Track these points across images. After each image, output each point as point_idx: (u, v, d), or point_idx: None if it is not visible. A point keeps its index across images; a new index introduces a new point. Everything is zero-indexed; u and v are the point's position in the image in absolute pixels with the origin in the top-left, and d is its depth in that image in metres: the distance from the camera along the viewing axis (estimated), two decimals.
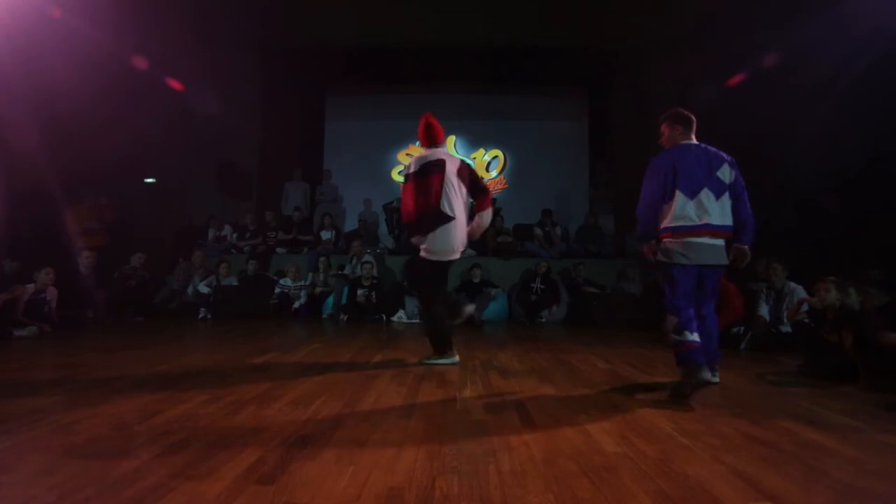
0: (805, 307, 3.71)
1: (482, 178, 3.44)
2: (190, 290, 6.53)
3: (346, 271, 6.73)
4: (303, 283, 6.69)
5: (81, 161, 6.05)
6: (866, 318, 2.93)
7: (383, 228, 8.35)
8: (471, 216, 3.34)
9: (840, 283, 3.22)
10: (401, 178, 9.45)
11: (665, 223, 2.62)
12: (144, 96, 7.00)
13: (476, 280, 6.45)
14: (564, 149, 9.62)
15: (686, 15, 6.99)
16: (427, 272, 3.18)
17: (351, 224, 8.88)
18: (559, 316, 6.48)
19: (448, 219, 3.10)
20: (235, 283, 6.44)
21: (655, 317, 5.58)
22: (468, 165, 3.35)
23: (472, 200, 3.35)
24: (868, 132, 5.23)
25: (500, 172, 9.69)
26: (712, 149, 2.70)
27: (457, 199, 3.17)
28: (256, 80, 9.12)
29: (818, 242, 5.37)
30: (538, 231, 7.56)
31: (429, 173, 3.09)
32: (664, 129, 2.85)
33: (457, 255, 3.22)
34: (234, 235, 7.68)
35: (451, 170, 3.15)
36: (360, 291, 6.21)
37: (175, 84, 7.60)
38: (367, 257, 6.63)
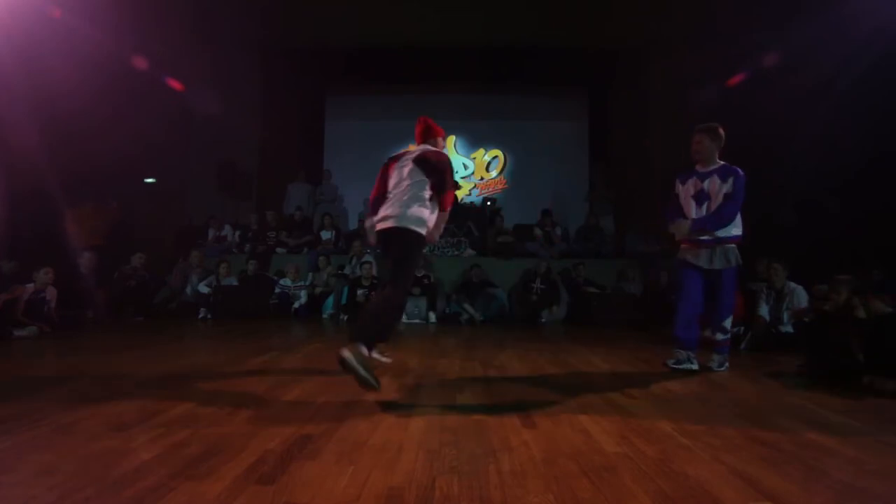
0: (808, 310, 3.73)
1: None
2: (188, 290, 6.53)
3: (346, 271, 6.74)
4: (303, 283, 6.69)
5: (81, 161, 6.05)
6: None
7: None
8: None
9: (850, 282, 3.25)
10: None
11: (737, 231, 3.14)
12: (144, 96, 7.00)
13: (476, 280, 6.45)
14: (564, 149, 9.61)
15: (686, 15, 6.99)
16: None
17: (351, 224, 8.88)
18: (559, 316, 6.48)
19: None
20: (235, 283, 6.44)
21: (655, 317, 5.63)
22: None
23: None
24: (868, 132, 5.23)
25: (500, 172, 9.69)
26: None
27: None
28: (256, 80, 9.11)
29: (818, 242, 5.37)
30: (538, 231, 7.56)
31: None
32: (706, 140, 3.13)
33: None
34: (237, 234, 7.68)
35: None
36: (360, 291, 6.20)
37: (175, 84, 7.60)
38: (367, 257, 6.63)
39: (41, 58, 5.26)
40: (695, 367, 3.18)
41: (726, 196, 3.06)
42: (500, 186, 9.60)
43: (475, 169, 9.74)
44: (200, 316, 6.09)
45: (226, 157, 8.53)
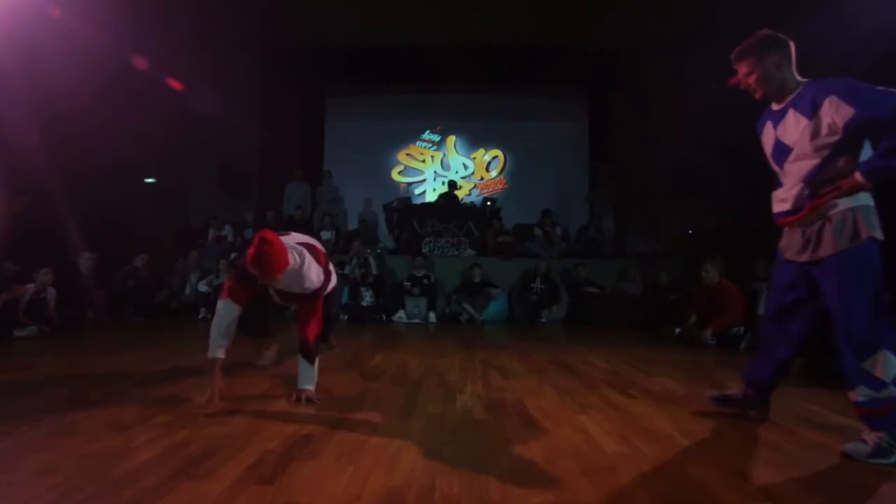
0: None
1: None
2: (188, 290, 6.53)
3: (346, 271, 6.73)
4: None
5: (81, 161, 6.04)
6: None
7: (383, 228, 8.35)
8: None
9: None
10: (401, 178, 9.60)
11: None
12: (144, 96, 7.00)
13: (476, 280, 6.45)
14: (564, 149, 9.61)
15: (686, 15, 6.99)
16: None
17: (351, 224, 8.88)
18: (559, 316, 6.48)
19: None
20: None
21: (655, 317, 5.62)
22: None
23: None
24: None
25: (500, 172, 9.69)
26: None
27: None
28: (256, 80, 9.12)
29: None
30: (538, 231, 7.56)
31: None
32: (757, 68, 1.94)
33: None
34: (238, 240, 7.67)
35: None
36: (365, 292, 6.22)
37: (175, 84, 7.60)
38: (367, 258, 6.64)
39: (41, 58, 5.25)
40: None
41: (858, 129, 1.67)
42: (500, 186, 9.60)
43: (475, 169, 9.74)
44: (200, 316, 6.08)
45: (226, 157, 8.53)
